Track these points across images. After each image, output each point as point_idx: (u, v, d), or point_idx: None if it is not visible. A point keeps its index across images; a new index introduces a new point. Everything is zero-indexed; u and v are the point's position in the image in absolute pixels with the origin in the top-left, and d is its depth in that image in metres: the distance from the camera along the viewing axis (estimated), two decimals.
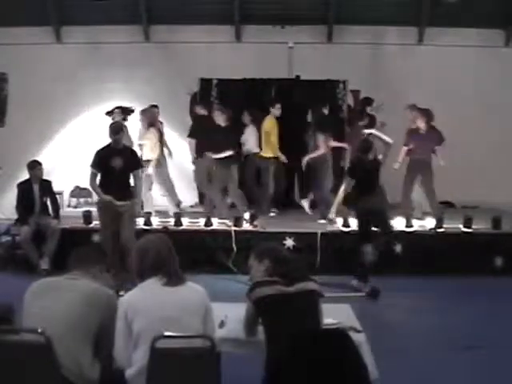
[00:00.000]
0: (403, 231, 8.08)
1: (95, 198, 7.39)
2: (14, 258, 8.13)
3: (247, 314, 3.43)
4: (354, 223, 8.23)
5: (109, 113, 9.39)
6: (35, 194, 8.00)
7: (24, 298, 3.22)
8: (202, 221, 8.41)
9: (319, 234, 7.99)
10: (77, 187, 11.00)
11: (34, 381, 3.01)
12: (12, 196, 8.32)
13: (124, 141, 8.67)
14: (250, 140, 9.74)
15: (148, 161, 8.93)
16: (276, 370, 3.08)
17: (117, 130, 6.85)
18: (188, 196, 10.61)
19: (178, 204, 9.45)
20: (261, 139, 9.60)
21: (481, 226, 8.32)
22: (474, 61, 11.26)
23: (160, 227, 8.12)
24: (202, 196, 10.52)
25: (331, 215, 8.00)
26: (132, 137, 9.39)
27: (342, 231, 8.19)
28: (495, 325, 5.88)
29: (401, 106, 9.97)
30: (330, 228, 8.29)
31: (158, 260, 3.23)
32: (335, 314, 3.68)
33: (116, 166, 6.70)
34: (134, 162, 6.97)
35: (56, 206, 8.21)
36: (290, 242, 7.88)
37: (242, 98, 10.61)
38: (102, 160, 6.75)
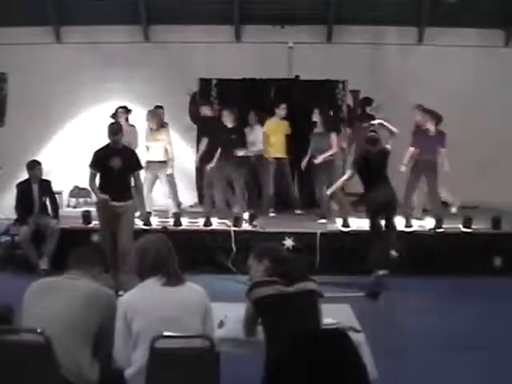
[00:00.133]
0: (403, 231, 8.07)
1: (94, 197, 7.38)
2: (14, 257, 8.12)
3: (247, 314, 3.43)
4: (355, 222, 8.29)
5: (113, 114, 9.37)
6: (34, 193, 7.99)
7: (23, 298, 3.21)
8: (201, 221, 8.41)
9: (318, 234, 7.99)
10: (76, 187, 11.00)
11: (33, 381, 3.01)
12: (11, 196, 8.31)
13: (129, 141, 8.77)
14: (257, 140, 9.72)
15: (162, 162, 8.94)
16: (275, 369, 3.07)
17: (115, 130, 6.81)
18: (187, 196, 10.62)
19: (178, 205, 9.45)
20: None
21: (480, 226, 8.32)
22: (474, 61, 11.26)
23: (159, 227, 8.12)
24: (201, 196, 10.52)
25: (330, 191, 8.07)
26: (138, 138, 9.41)
27: (341, 231, 8.19)
28: (495, 325, 5.88)
29: (400, 106, 9.98)
30: (329, 228, 8.29)
31: (158, 260, 3.23)
32: (335, 314, 3.68)
33: (115, 167, 6.68)
34: (134, 163, 6.93)
35: (55, 206, 8.21)
36: (289, 242, 7.88)
37: (241, 98, 10.60)
38: (101, 160, 6.73)
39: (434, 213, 8.62)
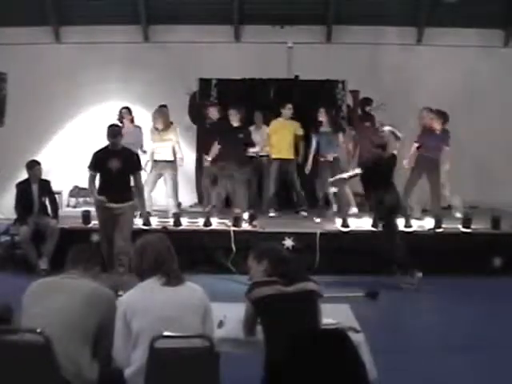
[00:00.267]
0: (402, 231, 8.07)
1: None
2: (13, 257, 8.12)
3: (246, 314, 3.43)
4: (355, 222, 8.31)
5: (120, 119, 9.36)
6: (34, 193, 7.99)
7: (23, 299, 3.21)
8: (201, 221, 8.40)
9: (318, 234, 7.99)
10: (76, 187, 11.00)
11: (32, 381, 3.01)
12: (11, 196, 8.31)
13: (133, 142, 8.78)
14: (262, 141, 9.74)
15: (169, 161, 8.95)
16: (275, 370, 3.08)
17: (115, 133, 6.80)
18: (187, 196, 10.62)
19: (178, 205, 9.44)
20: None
21: (480, 226, 8.32)
22: (474, 61, 11.26)
23: (159, 227, 8.11)
24: (201, 196, 10.53)
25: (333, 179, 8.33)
26: (143, 138, 9.42)
27: (341, 231, 8.19)
28: (495, 325, 5.88)
29: (400, 106, 10.00)
30: (329, 228, 8.30)
31: (158, 260, 3.23)
32: (334, 314, 3.68)
33: (113, 168, 6.67)
34: (133, 164, 6.91)
35: (55, 206, 8.20)
36: (289, 242, 7.88)
37: (241, 98, 10.60)
38: (100, 162, 6.72)
39: (433, 213, 8.62)
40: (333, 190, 8.26)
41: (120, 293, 3.76)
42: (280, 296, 3.32)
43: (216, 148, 9.27)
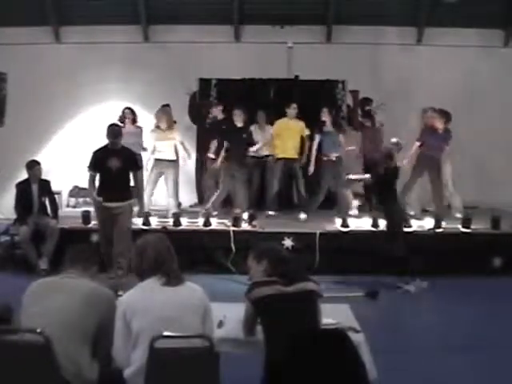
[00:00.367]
0: (403, 232, 8.07)
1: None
2: (13, 257, 8.11)
3: (246, 314, 3.43)
4: (355, 222, 8.32)
5: (121, 119, 9.37)
6: (34, 193, 7.98)
7: (23, 299, 3.21)
8: (200, 221, 8.40)
9: (318, 234, 7.99)
10: (76, 187, 10.99)
11: (32, 381, 3.00)
12: (11, 196, 8.30)
13: (134, 142, 8.79)
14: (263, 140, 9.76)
15: (172, 161, 8.95)
16: (275, 370, 3.08)
17: (116, 133, 6.78)
18: (187, 196, 10.62)
19: (178, 205, 9.44)
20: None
21: (480, 226, 8.32)
22: (474, 61, 11.26)
23: (159, 227, 8.11)
24: (201, 196, 10.53)
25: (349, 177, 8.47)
26: (143, 138, 9.42)
27: (340, 231, 8.19)
28: (494, 325, 5.88)
29: (400, 106, 10.00)
30: (328, 228, 8.30)
31: (157, 260, 3.23)
32: (334, 315, 3.68)
33: (112, 167, 6.66)
34: (132, 163, 6.91)
35: (55, 206, 8.20)
36: (288, 242, 7.88)
37: (241, 98, 10.60)
38: (99, 161, 6.71)
39: (436, 212, 8.61)
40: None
41: (120, 293, 3.76)
42: (280, 296, 3.32)
43: (215, 145, 9.28)
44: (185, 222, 8.43)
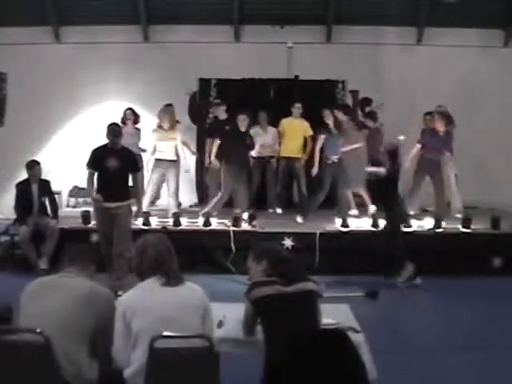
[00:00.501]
0: (402, 231, 8.07)
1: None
2: (13, 257, 8.11)
3: (246, 314, 3.43)
4: (355, 222, 8.32)
5: (123, 120, 9.36)
6: (34, 193, 7.98)
7: (20, 298, 3.21)
8: (200, 221, 8.40)
9: (318, 234, 7.99)
10: (75, 187, 10.98)
11: (32, 381, 3.00)
12: (11, 196, 8.31)
13: (133, 143, 8.79)
14: (276, 141, 9.78)
15: (173, 161, 8.94)
16: (275, 370, 3.08)
17: (115, 132, 6.75)
18: (187, 196, 10.62)
19: (178, 205, 9.44)
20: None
21: (480, 226, 8.32)
22: (474, 61, 11.27)
23: (159, 227, 8.11)
24: (201, 196, 10.54)
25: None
26: (142, 139, 9.43)
27: (340, 231, 8.19)
28: (494, 325, 5.88)
29: (400, 106, 9.99)
30: (328, 228, 8.30)
31: (157, 260, 3.22)
32: (334, 315, 3.68)
33: (111, 167, 6.63)
34: (130, 164, 6.87)
35: (55, 206, 8.20)
36: (288, 242, 7.88)
37: (241, 98, 10.61)
38: (98, 160, 6.68)
39: (435, 213, 8.60)
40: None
41: (120, 293, 3.77)
42: (279, 296, 3.32)
43: (217, 146, 9.29)
44: (185, 222, 8.43)
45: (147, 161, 9.01)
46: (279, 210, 9.64)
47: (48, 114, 11.18)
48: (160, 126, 9.05)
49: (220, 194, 9.05)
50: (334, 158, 9.02)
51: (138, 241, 3.40)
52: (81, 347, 3.10)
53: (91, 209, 7.76)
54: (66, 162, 11.03)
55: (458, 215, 8.91)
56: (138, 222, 8.06)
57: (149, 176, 8.88)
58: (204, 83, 11.04)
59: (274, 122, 9.89)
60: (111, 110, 9.98)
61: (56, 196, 8.62)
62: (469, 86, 11.03)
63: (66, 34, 11.65)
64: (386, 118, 9.61)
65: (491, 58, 11.33)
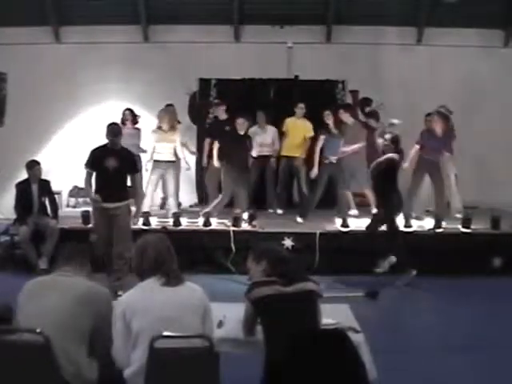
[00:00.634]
0: (402, 231, 8.07)
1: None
2: (13, 257, 8.11)
3: (246, 314, 3.43)
4: (354, 222, 8.32)
5: (123, 121, 9.36)
6: (34, 193, 7.98)
7: (18, 298, 3.22)
8: (200, 221, 8.40)
9: (318, 234, 7.99)
10: (75, 187, 10.97)
11: (32, 381, 3.00)
12: (11, 196, 8.31)
13: (133, 143, 8.79)
14: (275, 140, 9.80)
15: (171, 162, 8.94)
16: (275, 370, 3.08)
17: (115, 132, 6.72)
18: (187, 196, 10.62)
19: (178, 205, 9.44)
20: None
21: (480, 226, 8.32)
22: (474, 61, 11.26)
23: (159, 227, 8.11)
24: (201, 196, 10.54)
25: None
26: (141, 140, 9.43)
27: (340, 231, 8.19)
28: (494, 325, 5.88)
29: (400, 106, 9.99)
30: (328, 228, 8.30)
31: (157, 260, 3.22)
32: (334, 315, 3.68)
33: (109, 167, 6.60)
34: (129, 165, 6.82)
35: (55, 206, 8.20)
36: (288, 243, 7.88)
37: (241, 98, 10.61)
38: (97, 160, 6.66)
39: (435, 213, 8.60)
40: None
41: (120, 293, 3.76)
42: (279, 296, 3.32)
43: (217, 148, 9.28)
44: (185, 222, 8.43)
45: (146, 161, 9.00)
46: (280, 211, 9.65)
47: (48, 114, 11.18)
48: (159, 127, 9.02)
49: (220, 196, 9.05)
50: (333, 158, 9.04)
51: (137, 241, 3.40)
52: (80, 347, 3.10)
53: (91, 209, 7.75)
54: (65, 162, 11.02)
55: (458, 215, 8.90)
56: (138, 222, 8.05)
57: (148, 177, 8.87)
58: (204, 83, 11.05)
59: (274, 122, 9.89)
60: (111, 110, 9.97)
61: (56, 196, 8.62)
62: (469, 86, 11.03)
63: (66, 33, 11.65)
64: (385, 118, 9.60)
65: (491, 58, 11.33)
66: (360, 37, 11.28)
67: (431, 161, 8.65)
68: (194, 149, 10.29)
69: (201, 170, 10.36)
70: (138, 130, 9.62)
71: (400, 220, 8.02)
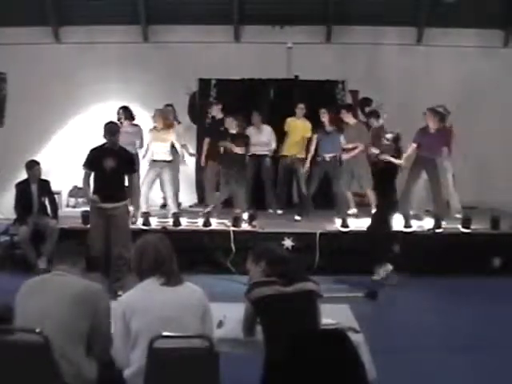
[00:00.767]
0: (401, 231, 8.08)
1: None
2: (13, 257, 8.11)
3: (246, 314, 3.43)
4: (354, 222, 8.33)
5: (119, 120, 9.36)
6: (33, 193, 7.99)
7: (16, 298, 3.21)
8: (200, 221, 8.40)
9: (318, 234, 7.99)
10: (75, 187, 10.96)
11: (32, 381, 3.00)
12: (10, 196, 8.31)
13: (132, 141, 8.79)
14: (271, 140, 9.80)
15: (167, 161, 8.94)
16: (275, 370, 3.08)
17: (112, 130, 6.71)
18: (187, 196, 10.62)
19: (178, 205, 9.44)
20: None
21: (479, 226, 8.32)
22: (473, 61, 11.25)
23: (159, 227, 8.11)
24: (201, 196, 10.53)
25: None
26: (143, 137, 9.43)
27: (340, 231, 8.19)
28: (494, 325, 5.88)
29: (399, 106, 9.99)
30: (328, 228, 8.30)
31: (157, 260, 3.22)
32: (334, 315, 3.68)
33: (107, 167, 6.59)
34: (127, 165, 6.81)
35: (54, 206, 8.20)
36: (288, 243, 7.88)
37: (240, 98, 10.61)
38: (95, 160, 6.65)
39: (434, 213, 8.60)
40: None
41: (120, 293, 3.76)
42: (279, 296, 3.32)
43: (206, 145, 9.30)
44: (184, 222, 8.44)
45: (142, 158, 9.03)
46: (279, 211, 9.65)
47: (48, 114, 11.17)
48: (154, 127, 9.08)
49: (218, 195, 9.08)
50: (327, 156, 9.10)
51: (137, 241, 3.40)
52: (78, 347, 3.10)
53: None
54: (65, 161, 11.00)
55: (458, 215, 8.90)
56: (138, 222, 8.06)
57: (144, 176, 8.86)
58: (204, 83, 11.05)
59: (274, 122, 9.89)
60: (111, 110, 9.94)
61: (56, 196, 8.62)
62: (469, 86, 11.02)
63: (66, 34, 11.64)
64: (385, 118, 9.61)
65: (491, 58, 11.32)
66: (360, 37, 11.27)
67: (428, 158, 8.61)
68: (192, 150, 10.27)
69: (200, 170, 10.37)
70: (138, 126, 9.55)
71: (398, 220, 8.04)
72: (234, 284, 6.95)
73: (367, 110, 10.25)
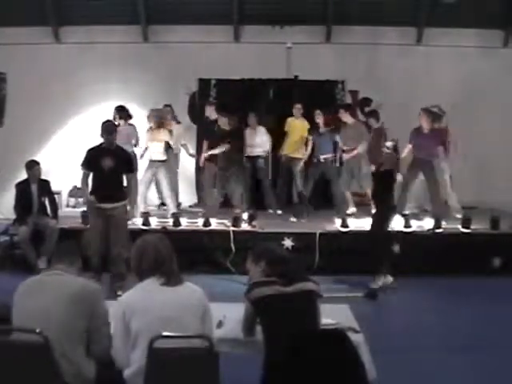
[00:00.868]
0: (401, 231, 8.08)
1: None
2: (13, 257, 8.10)
3: (246, 314, 3.43)
4: (354, 222, 8.32)
5: (114, 117, 9.36)
6: (33, 193, 7.98)
7: (13, 298, 3.22)
8: (200, 221, 8.40)
9: (318, 234, 7.99)
10: (75, 187, 10.94)
11: (32, 381, 3.00)
12: (10, 196, 8.31)
13: (128, 141, 8.79)
14: (265, 141, 9.81)
15: (162, 161, 8.96)
16: (275, 370, 3.07)
17: (109, 129, 6.70)
18: (187, 196, 10.61)
19: (178, 205, 9.44)
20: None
21: (479, 226, 8.32)
22: (473, 61, 11.26)
23: (158, 227, 8.11)
24: (201, 196, 10.53)
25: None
26: (138, 136, 9.43)
27: (340, 231, 8.19)
28: (494, 325, 5.88)
29: (399, 107, 9.98)
30: (328, 228, 8.30)
31: (157, 260, 3.22)
32: (334, 315, 3.68)
33: (105, 167, 6.58)
34: (125, 165, 6.80)
35: (54, 206, 8.20)
36: (288, 243, 7.87)
37: (240, 98, 10.61)
38: (93, 160, 6.64)
39: (433, 212, 8.60)
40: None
41: (119, 293, 3.76)
42: (279, 296, 3.32)
43: (206, 146, 9.34)
44: (184, 223, 8.43)
45: (140, 159, 9.05)
46: (279, 211, 9.65)
47: (48, 114, 11.17)
48: (151, 127, 9.16)
49: (215, 195, 9.10)
50: (321, 157, 9.14)
51: (137, 241, 3.40)
52: (77, 346, 3.10)
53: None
54: (65, 161, 10.99)
55: (458, 215, 8.90)
56: (138, 222, 8.05)
57: (141, 176, 8.86)
58: (204, 83, 11.06)
59: (274, 122, 9.90)
60: (111, 110, 9.94)
61: (56, 196, 8.62)
62: (469, 86, 11.02)
63: (66, 34, 11.64)
64: (383, 118, 9.60)
65: (491, 58, 11.32)
66: (360, 37, 11.28)
67: (424, 160, 8.60)
68: (192, 151, 10.26)
69: (200, 170, 10.36)
70: (132, 125, 9.52)
71: (398, 220, 8.04)
72: (233, 284, 6.95)
73: (367, 109, 10.25)
